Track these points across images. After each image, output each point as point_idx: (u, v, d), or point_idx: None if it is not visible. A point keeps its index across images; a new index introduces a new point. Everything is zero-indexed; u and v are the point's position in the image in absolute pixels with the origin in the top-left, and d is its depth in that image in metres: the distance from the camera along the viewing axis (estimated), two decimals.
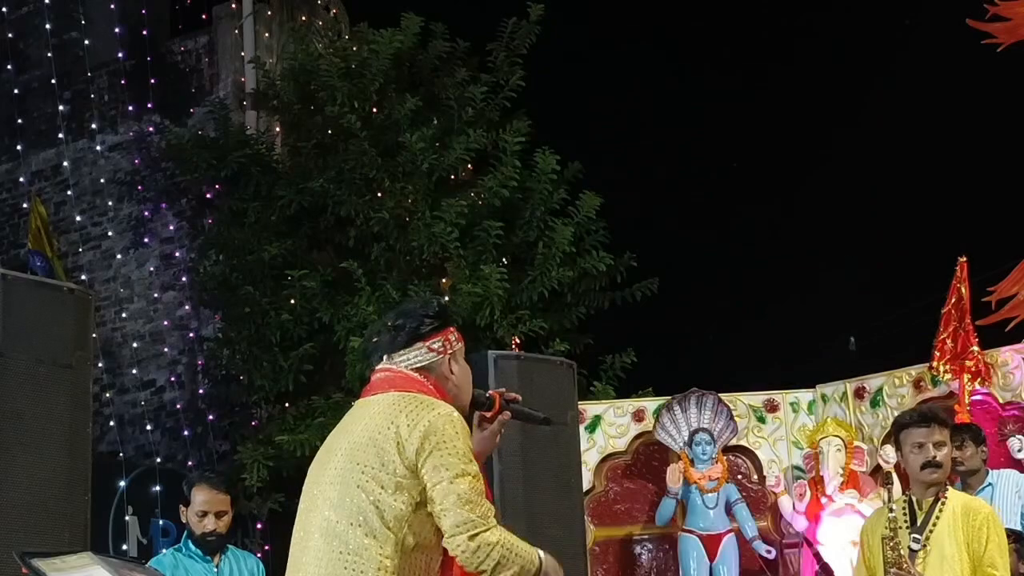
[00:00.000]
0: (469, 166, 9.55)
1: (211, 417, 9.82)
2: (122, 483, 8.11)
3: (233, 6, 10.88)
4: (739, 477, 7.80)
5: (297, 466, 8.56)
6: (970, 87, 11.53)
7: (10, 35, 11.12)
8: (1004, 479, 6.11)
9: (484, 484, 2.85)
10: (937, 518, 4.43)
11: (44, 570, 3.61)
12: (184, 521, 4.96)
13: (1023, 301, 8.13)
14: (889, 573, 4.35)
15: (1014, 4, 8.58)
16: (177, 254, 10.53)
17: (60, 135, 10.97)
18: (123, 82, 10.94)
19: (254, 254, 9.16)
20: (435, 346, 2.99)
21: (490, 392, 3.15)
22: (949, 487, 4.56)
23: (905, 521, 4.47)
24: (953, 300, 6.93)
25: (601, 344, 9.79)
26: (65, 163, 11.05)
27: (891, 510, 4.44)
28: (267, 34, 10.81)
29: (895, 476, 7.00)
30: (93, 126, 11.07)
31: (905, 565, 4.33)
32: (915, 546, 4.40)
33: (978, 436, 6.24)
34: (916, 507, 4.49)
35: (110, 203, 10.88)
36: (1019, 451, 6.81)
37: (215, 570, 4.89)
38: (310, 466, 2.97)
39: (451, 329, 3.04)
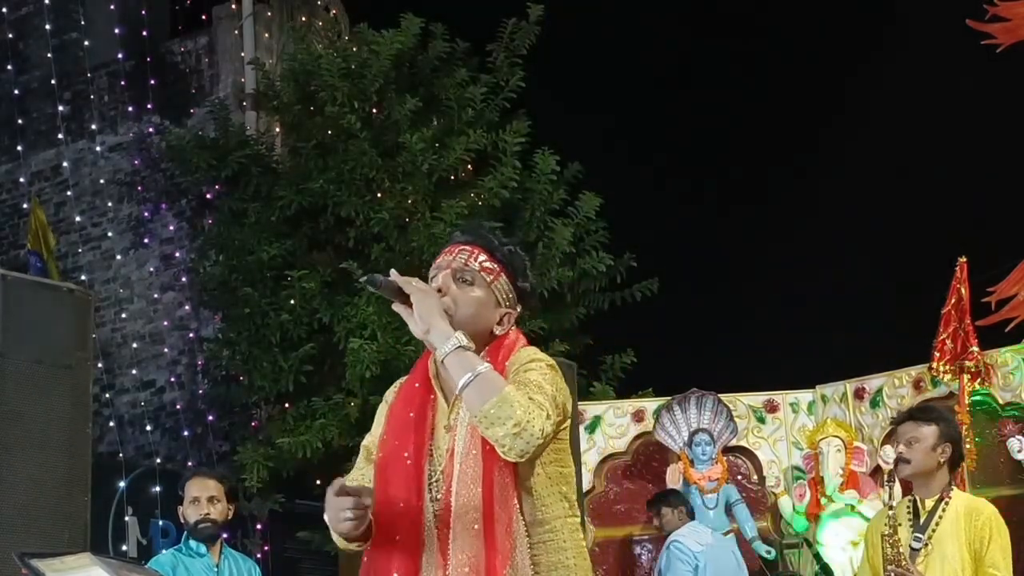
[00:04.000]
0: (469, 167, 9.55)
1: (211, 418, 9.82)
2: (122, 483, 8.10)
3: (233, 7, 10.88)
4: (739, 477, 7.80)
5: (297, 467, 8.57)
6: (970, 87, 11.52)
7: (10, 35, 11.12)
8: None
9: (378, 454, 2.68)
10: (940, 518, 4.44)
11: (43, 570, 3.61)
12: (183, 521, 4.99)
13: (1023, 301, 8.13)
14: (888, 570, 4.37)
15: (1014, 4, 8.59)
16: (177, 255, 10.53)
17: (60, 136, 10.97)
18: (123, 83, 10.94)
19: (254, 255, 9.16)
20: None
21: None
22: (954, 487, 4.57)
23: (908, 520, 4.48)
24: (953, 300, 6.93)
25: (601, 344, 9.79)
26: (65, 164, 11.05)
27: (890, 508, 4.45)
28: (267, 35, 10.81)
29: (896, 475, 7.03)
30: (93, 127, 11.07)
31: (904, 563, 4.34)
32: (916, 545, 4.41)
33: (668, 500, 6.97)
34: (919, 506, 4.50)
35: (110, 204, 10.88)
36: (1019, 451, 6.81)
37: (215, 569, 4.90)
38: None
39: None
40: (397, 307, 2.61)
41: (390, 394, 2.81)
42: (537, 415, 2.48)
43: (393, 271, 2.64)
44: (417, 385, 2.72)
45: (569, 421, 2.68)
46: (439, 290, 2.66)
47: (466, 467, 2.56)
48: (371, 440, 2.78)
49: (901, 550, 4.39)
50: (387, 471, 2.64)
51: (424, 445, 2.65)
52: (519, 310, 2.78)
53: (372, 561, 2.63)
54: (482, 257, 2.72)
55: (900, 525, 4.49)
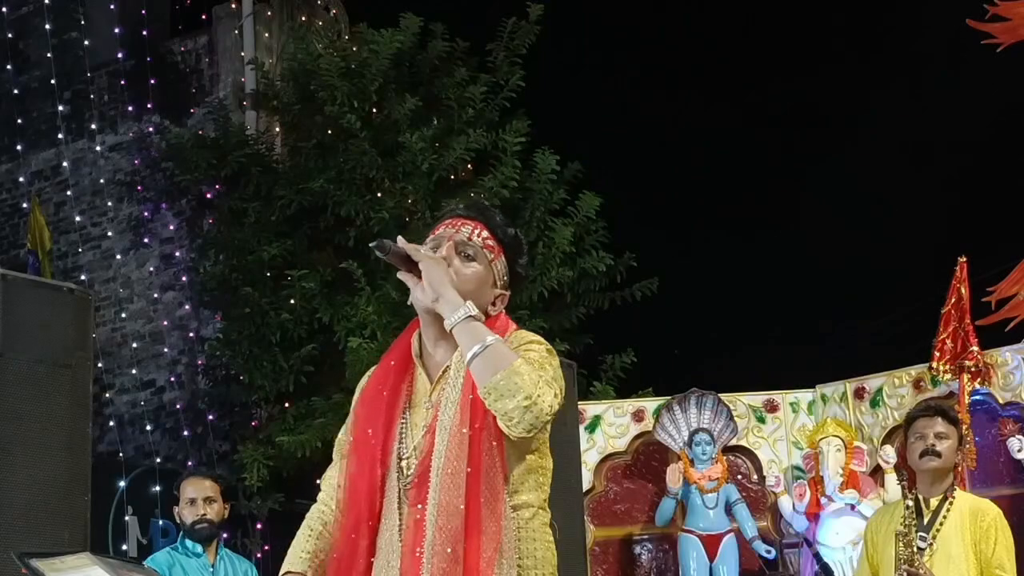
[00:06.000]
0: (469, 166, 9.55)
1: (211, 417, 9.82)
2: (122, 483, 8.10)
3: (233, 6, 10.88)
4: (739, 477, 7.80)
5: (297, 466, 8.57)
6: (970, 86, 11.53)
7: (10, 35, 11.11)
8: None
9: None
10: (944, 518, 4.45)
11: (43, 570, 3.61)
12: (179, 521, 5.02)
13: (1023, 301, 8.13)
14: (900, 569, 4.37)
15: (1014, 4, 8.57)
16: (177, 254, 10.53)
17: (60, 135, 10.97)
18: (123, 82, 10.94)
19: (254, 254, 9.16)
20: None
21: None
22: (957, 488, 4.57)
23: (912, 520, 4.48)
24: (953, 300, 6.93)
25: (601, 344, 9.79)
26: (65, 163, 11.05)
27: (907, 506, 4.45)
28: (267, 34, 10.81)
29: (887, 477, 7.03)
30: (93, 126, 11.07)
31: (917, 562, 4.35)
32: (922, 545, 4.41)
33: None
34: (923, 506, 4.51)
35: (110, 203, 10.88)
36: (1019, 451, 6.81)
37: (211, 569, 4.92)
38: None
39: None
40: (403, 275, 2.58)
41: (364, 382, 2.77)
42: (546, 391, 2.43)
43: (400, 238, 2.60)
44: (393, 363, 2.68)
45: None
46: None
47: (452, 443, 2.48)
48: (343, 436, 2.76)
49: (914, 549, 4.40)
50: (353, 449, 2.64)
51: (393, 421, 2.61)
52: (509, 294, 2.72)
53: (336, 539, 2.63)
54: (484, 234, 2.67)
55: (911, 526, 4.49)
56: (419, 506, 2.49)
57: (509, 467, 2.52)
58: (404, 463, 2.57)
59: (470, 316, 2.48)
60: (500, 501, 2.47)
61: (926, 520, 4.47)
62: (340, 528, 2.62)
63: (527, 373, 2.42)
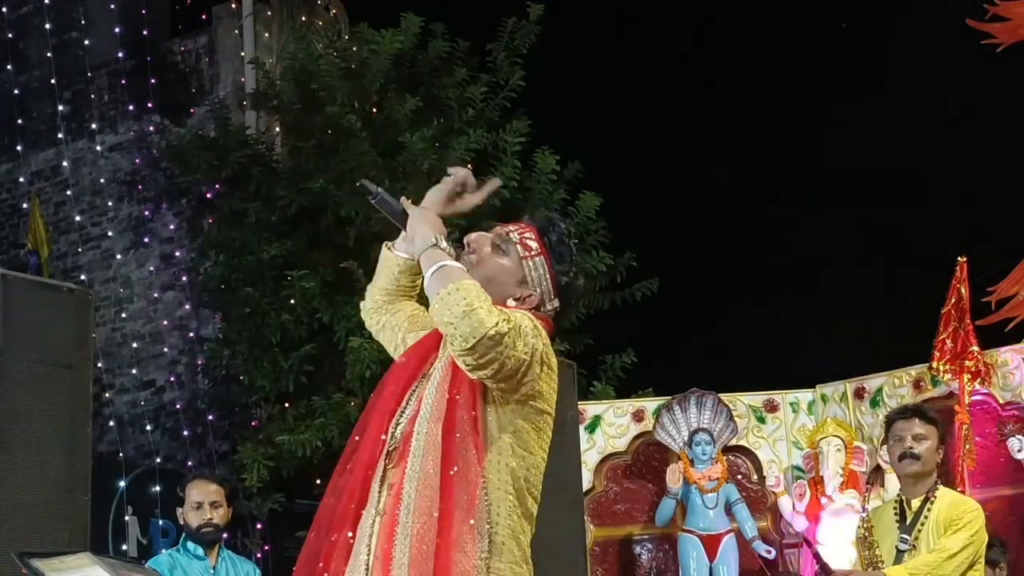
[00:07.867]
0: (469, 166, 9.53)
1: (211, 417, 9.81)
2: (122, 483, 8.10)
3: (233, 6, 10.88)
4: (739, 477, 7.80)
5: (297, 466, 8.57)
6: (970, 87, 11.52)
7: (10, 35, 11.11)
8: None
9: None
10: (925, 518, 4.45)
11: (43, 570, 3.61)
12: (182, 523, 5.02)
13: (1023, 301, 8.13)
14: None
15: (1014, 4, 8.59)
16: (177, 254, 10.53)
17: (60, 135, 10.96)
18: (123, 82, 10.93)
19: (254, 254, 9.16)
20: None
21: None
22: (940, 486, 4.57)
23: (896, 521, 4.49)
24: (953, 300, 6.93)
25: (601, 344, 9.80)
26: (65, 163, 11.04)
27: (864, 515, 4.47)
28: (267, 34, 10.80)
29: (887, 477, 7.04)
30: (93, 126, 11.06)
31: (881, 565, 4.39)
32: (903, 546, 4.42)
33: None
34: (906, 507, 4.50)
35: (110, 203, 10.88)
36: (1019, 451, 6.81)
37: (212, 571, 4.92)
38: None
39: None
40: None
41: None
42: (494, 312, 2.40)
43: (403, 198, 2.72)
44: (429, 336, 2.70)
45: (551, 412, 2.60)
46: (468, 244, 2.70)
47: (435, 408, 2.50)
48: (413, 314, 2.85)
49: (877, 552, 4.42)
50: (372, 404, 2.65)
51: (408, 388, 2.62)
52: (555, 304, 2.70)
53: (332, 482, 2.61)
54: (528, 234, 2.73)
55: (875, 527, 4.52)
56: (398, 469, 2.51)
57: (486, 446, 2.49)
58: (399, 427, 2.57)
59: (434, 245, 2.55)
60: (474, 474, 2.45)
61: (908, 521, 4.47)
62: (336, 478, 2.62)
63: (477, 291, 2.43)
